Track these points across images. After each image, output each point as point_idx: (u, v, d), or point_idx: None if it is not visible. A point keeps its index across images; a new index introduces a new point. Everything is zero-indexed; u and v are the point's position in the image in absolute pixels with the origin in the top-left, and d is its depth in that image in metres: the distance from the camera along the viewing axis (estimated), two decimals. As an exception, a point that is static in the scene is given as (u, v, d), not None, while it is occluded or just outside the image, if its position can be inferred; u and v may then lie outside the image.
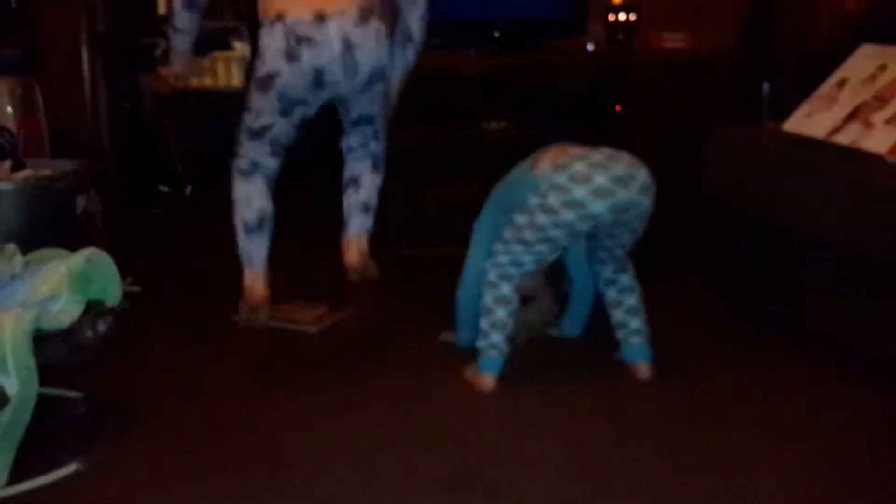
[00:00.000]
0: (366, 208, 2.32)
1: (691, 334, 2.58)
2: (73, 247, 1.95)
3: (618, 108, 3.65)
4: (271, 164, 2.38)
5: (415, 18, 2.38)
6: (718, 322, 2.70)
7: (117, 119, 4.51)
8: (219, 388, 2.18)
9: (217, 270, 3.07)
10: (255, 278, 2.31)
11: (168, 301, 2.75)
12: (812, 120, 2.54)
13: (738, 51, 3.79)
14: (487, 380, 2.16)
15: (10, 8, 3.77)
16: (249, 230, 2.31)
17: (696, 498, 1.69)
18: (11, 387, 1.65)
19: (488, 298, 2.17)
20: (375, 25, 2.16)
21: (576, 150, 2.13)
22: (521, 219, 2.12)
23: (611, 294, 2.29)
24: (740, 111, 3.62)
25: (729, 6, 3.94)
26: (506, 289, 2.16)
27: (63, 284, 1.75)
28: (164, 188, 4.73)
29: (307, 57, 2.10)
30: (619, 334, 2.28)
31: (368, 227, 2.32)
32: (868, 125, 2.39)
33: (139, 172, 4.62)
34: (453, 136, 3.59)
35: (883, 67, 2.50)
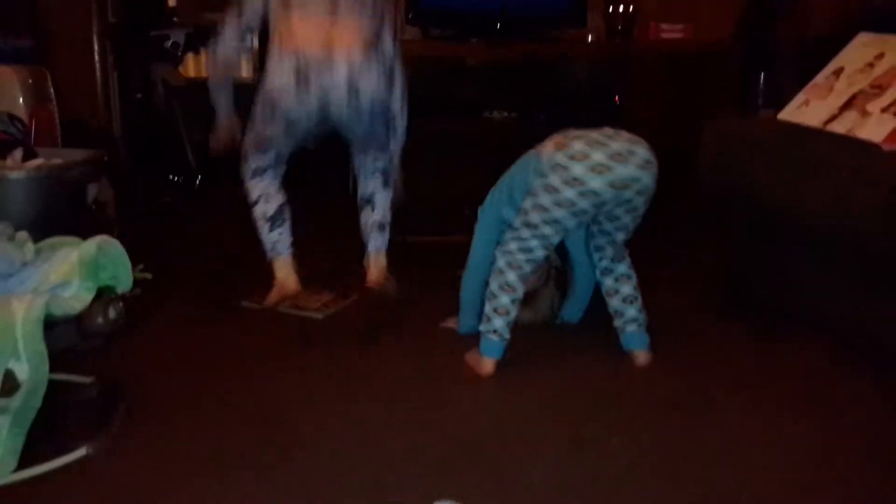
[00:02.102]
0: (381, 227, 2.44)
1: (689, 320, 2.62)
2: (84, 235, 2.00)
3: (617, 98, 3.68)
4: (278, 168, 2.53)
5: (395, 99, 2.47)
6: (716, 308, 2.73)
7: (128, 109, 4.56)
8: (227, 373, 2.23)
9: (226, 258, 3.14)
10: (285, 268, 2.39)
11: (177, 288, 2.80)
12: (808, 109, 2.56)
13: (735, 42, 3.81)
14: (487, 364, 2.20)
15: (18, -4, 3.81)
16: (273, 221, 2.40)
17: (692, 480, 1.73)
18: (23, 372, 1.69)
19: (494, 284, 2.22)
20: (377, 66, 2.29)
21: (576, 132, 2.16)
22: (527, 202, 2.16)
23: (608, 283, 2.33)
24: (737, 101, 3.64)
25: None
26: (512, 276, 2.19)
27: (74, 271, 1.80)
28: (174, 177, 4.78)
29: (315, 90, 2.23)
30: (617, 322, 2.32)
31: (386, 244, 2.43)
32: (864, 114, 2.41)
33: (150, 162, 4.67)
34: (456, 126, 3.63)
35: (880, 56, 2.52)
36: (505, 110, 3.64)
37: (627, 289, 2.30)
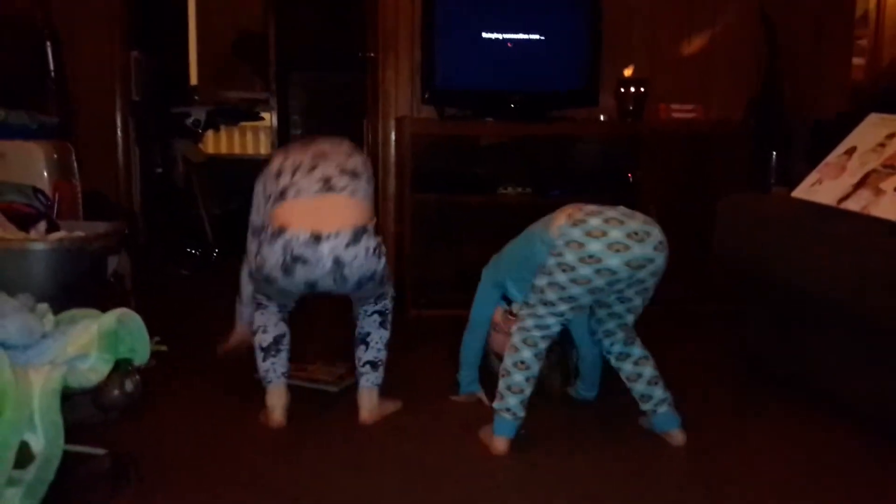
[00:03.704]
0: (374, 365, 2.46)
1: (707, 395, 2.60)
2: (103, 307, 2.02)
3: (630, 176, 3.73)
4: (282, 311, 2.55)
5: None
6: (733, 383, 2.72)
7: (149, 183, 4.65)
8: (241, 446, 2.22)
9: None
10: (274, 399, 2.41)
11: (193, 361, 2.80)
12: (821, 187, 2.58)
13: (746, 121, 3.87)
14: (500, 443, 2.17)
15: (48, 76, 3.93)
16: (266, 351, 2.45)
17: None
18: (38, 444, 1.69)
19: (508, 361, 2.20)
20: (366, 244, 2.30)
21: (591, 207, 2.18)
22: (541, 280, 2.16)
23: (627, 368, 2.27)
24: (749, 180, 3.67)
25: (735, 78, 4.06)
26: (527, 354, 2.17)
27: (93, 343, 1.81)
28: (192, 251, 4.84)
29: (300, 272, 2.29)
30: (646, 406, 2.26)
31: (378, 381, 2.46)
32: (878, 192, 2.42)
33: (169, 235, 4.73)
34: (471, 201, 3.67)
35: (891, 136, 2.55)
36: (519, 186, 3.68)
37: (649, 371, 2.26)
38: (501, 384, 2.20)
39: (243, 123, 6.67)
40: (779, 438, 2.30)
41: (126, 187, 4.37)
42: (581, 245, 2.08)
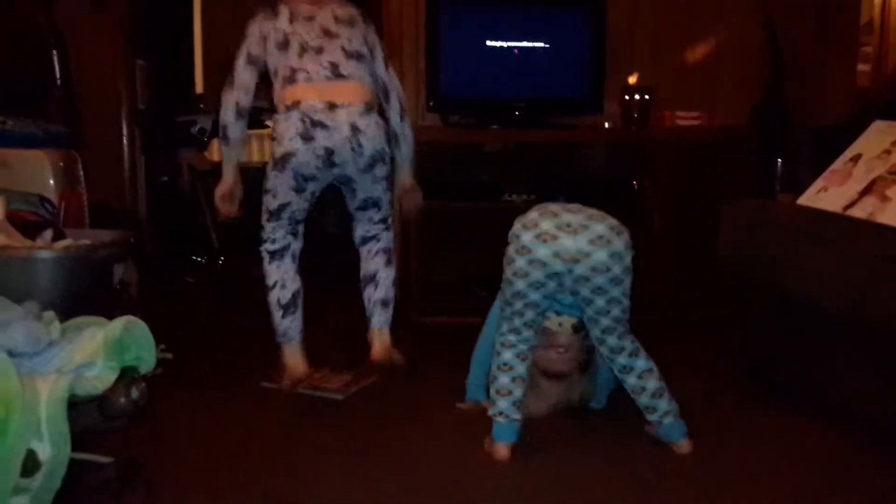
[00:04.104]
0: (385, 304, 2.51)
1: (712, 404, 2.59)
2: (109, 315, 2.03)
3: (635, 183, 3.73)
4: (294, 243, 2.62)
5: (393, 111, 2.70)
6: (738, 391, 2.71)
7: (154, 191, 4.66)
8: (247, 454, 2.22)
9: (247, 338, 3.15)
10: (295, 355, 2.44)
11: (199, 368, 2.81)
12: (827, 194, 2.58)
13: (751, 128, 3.87)
14: (500, 449, 2.16)
15: (55, 84, 3.94)
16: (286, 309, 2.46)
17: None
18: (44, 452, 1.69)
19: (494, 366, 2.23)
20: (376, 119, 2.50)
21: (552, 207, 2.18)
22: (502, 285, 2.22)
23: (631, 381, 2.24)
24: (755, 187, 3.67)
25: (740, 85, 4.06)
26: (507, 355, 2.20)
27: (99, 351, 1.81)
28: (197, 258, 4.85)
29: (320, 138, 2.39)
30: (651, 417, 2.24)
31: (389, 320, 2.50)
32: (884, 199, 2.42)
33: (174, 243, 4.74)
34: (476, 208, 3.67)
35: (896, 143, 2.55)
36: (524, 193, 3.68)
37: (653, 383, 2.23)
38: (491, 390, 2.22)
39: (249, 131, 6.68)
40: (781, 446, 2.29)
41: (132, 195, 4.38)
42: (517, 237, 2.13)
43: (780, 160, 3.75)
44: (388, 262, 2.58)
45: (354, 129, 2.40)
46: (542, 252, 2.09)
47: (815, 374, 2.52)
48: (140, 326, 1.93)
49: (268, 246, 2.61)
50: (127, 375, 1.88)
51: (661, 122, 3.81)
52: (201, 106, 5.78)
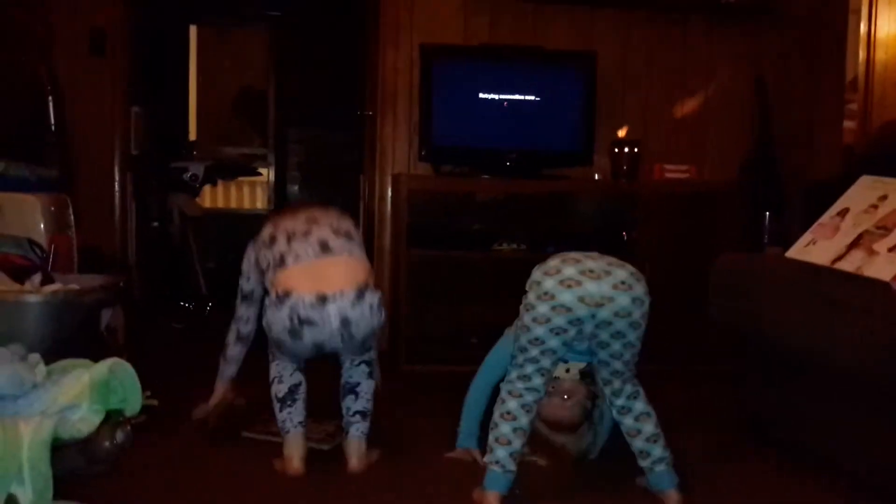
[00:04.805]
0: (364, 415, 2.47)
1: (707, 456, 2.56)
2: (94, 359, 2.01)
3: (624, 234, 3.75)
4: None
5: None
6: (731, 444, 2.69)
7: (144, 236, 4.66)
8: (230, 503, 2.18)
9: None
10: (290, 446, 2.41)
11: (183, 415, 2.77)
12: (815, 248, 2.60)
13: (739, 182, 3.92)
14: (490, 498, 2.13)
15: (49, 129, 3.96)
16: (283, 402, 2.46)
17: None
18: (25, 497, 1.67)
19: (496, 413, 2.19)
20: (370, 300, 2.38)
21: (573, 254, 2.18)
22: (518, 332, 2.19)
23: (627, 422, 2.25)
24: (743, 240, 3.70)
25: (728, 140, 4.13)
26: (513, 404, 2.17)
27: (84, 393, 1.80)
28: (186, 304, 4.83)
29: (308, 335, 2.34)
30: (643, 463, 2.23)
31: (367, 431, 2.48)
32: (871, 253, 2.44)
33: (163, 288, 4.72)
34: (466, 258, 3.69)
35: (884, 198, 2.57)
36: (514, 243, 3.70)
37: (649, 427, 2.23)
38: (490, 437, 2.19)
39: (241, 178, 6.73)
40: (776, 500, 2.27)
41: (122, 240, 4.37)
42: (538, 283, 2.12)
43: (768, 214, 3.79)
44: (370, 374, 2.55)
45: (345, 322, 2.33)
46: (567, 297, 2.08)
47: (810, 427, 2.51)
48: (126, 368, 1.92)
49: (270, 347, 2.58)
50: (112, 418, 1.86)
51: (650, 175, 3.85)
52: (194, 153, 5.83)
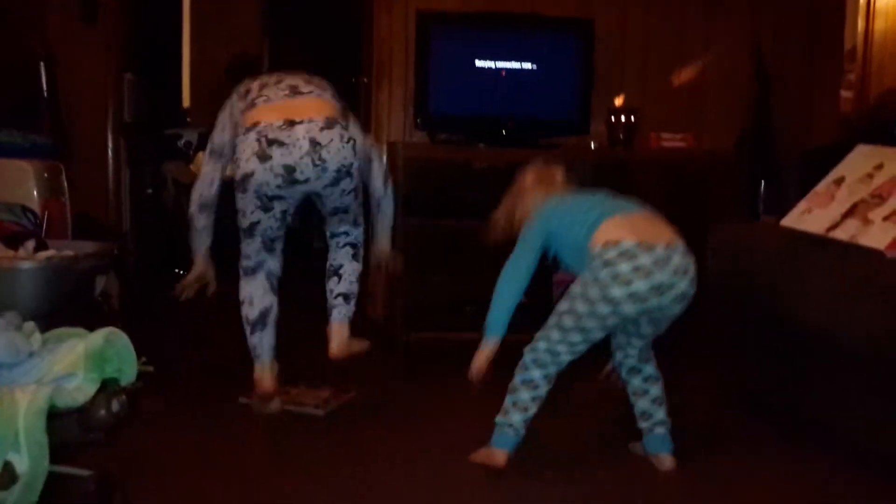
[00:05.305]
0: (346, 298, 2.45)
1: (699, 425, 2.59)
2: (90, 326, 2.00)
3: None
4: (269, 260, 2.55)
5: (375, 176, 2.59)
6: (725, 413, 2.71)
7: (138, 204, 4.63)
8: (226, 470, 2.20)
9: (229, 353, 3.12)
10: (263, 370, 2.41)
11: (179, 382, 2.78)
12: (810, 216, 2.60)
13: (736, 151, 3.90)
14: (499, 455, 2.16)
15: (41, 96, 3.93)
16: (253, 326, 2.43)
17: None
18: (22, 464, 1.66)
19: (517, 379, 2.20)
20: (339, 130, 2.34)
21: (637, 222, 2.17)
22: (562, 305, 2.17)
23: (635, 382, 2.30)
24: (739, 209, 3.70)
25: (725, 108, 4.10)
26: (536, 374, 2.17)
27: (80, 363, 1.79)
28: (180, 272, 4.81)
29: (278, 156, 2.29)
30: (644, 424, 2.28)
31: (350, 314, 2.45)
32: (866, 221, 2.45)
33: (158, 255, 4.71)
34: (462, 226, 3.67)
35: (879, 166, 2.58)
36: (510, 212, 3.68)
37: (656, 390, 2.28)
38: (508, 400, 2.20)
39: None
40: (773, 471, 2.30)
41: (116, 207, 4.35)
42: (611, 263, 2.08)
43: (763, 182, 3.78)
44: (355, 257, 2.53)
45: (314, 143, 2.29)
46: (641, 287, 2.06)
47: (805, 396, 2.52)
48: (121, 338, 1.91)
49: (243, 262, 2.58)
50: (108, 387, 1.86)
51: (646, 143, 3.83)
52: (188, 119, 5.79)
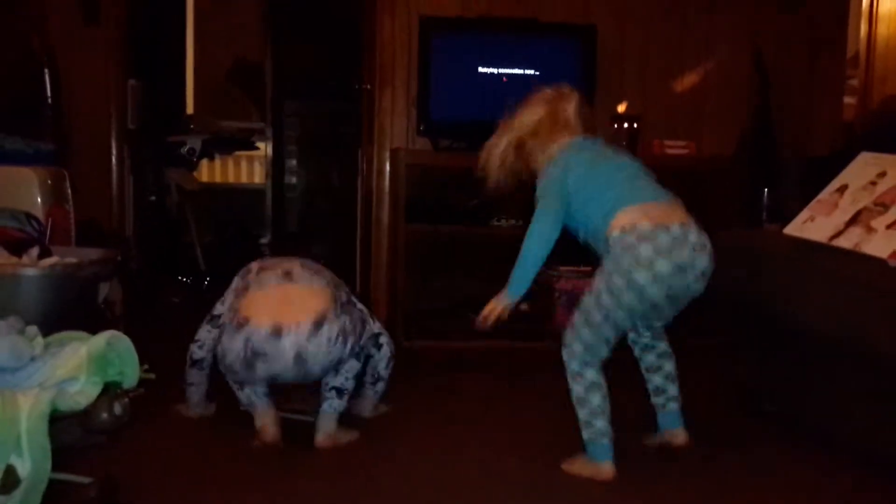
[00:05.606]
0: (340, 393, 2.42)
1: (701, 427, 2.57)
2: (93, 332, 2.01)
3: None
4: None
5: (380, 362, 2.61)
6: (727, 417, 2.71)
7: (142, 210, 4.65)
8: (228, 476, 2.20)
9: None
10: (262, 418, 2.40)
11: (180, 389, 2.78)
12: (813, 224, 2.60)
13: (738, 158, 3.90)
14: (605, 468, 2.14)
15: (45, 102, 3.94)
16: (241, 385, 2.42)
17: None
18: (24, 468, 1.67)
19: (578, 388, 2.17)
20: (328, 333, 2.29)
21: (649, 209, 2.15)
22: (588, 300, 2.15)
23: (649, 359, 2.34)
24: (741, 217, 3.69)
25: (728, 115, 4.10)
26: (591, 374, 2.15)
27: (82, 366, 1.80)
28: (184, 278, 4.83)
29: (261, 368, 2.29)
30: (658, 399, 2.33)
31: (340, 408, 2.42)
32: (869, 230, 2.44)
33: (161, 262, 4.72)
34: (464, 233, 3.68)
35: (882, 174, 2.57)
36: (512, 219, 3.69)
37: (669, 366, 2.32)
38: (582, 413, 2.17)
39: (238, 153, 6.70)
40: (771, 474, 2.29)
41: (119, 214, 4.36)
42: (633, 247, 2.08)
43: (766, 190, 3.78)
44: (356, 356, 2.53)
45: (299, 358, 2.27)
46: (664, 267, 2.07)
47: (805, 401, 2.52)
48: (123, 341, 1.92)
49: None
50: (110, 391, 1.86)
51: (649, 150, 3.83)
52: (191, 126, 5.81)
